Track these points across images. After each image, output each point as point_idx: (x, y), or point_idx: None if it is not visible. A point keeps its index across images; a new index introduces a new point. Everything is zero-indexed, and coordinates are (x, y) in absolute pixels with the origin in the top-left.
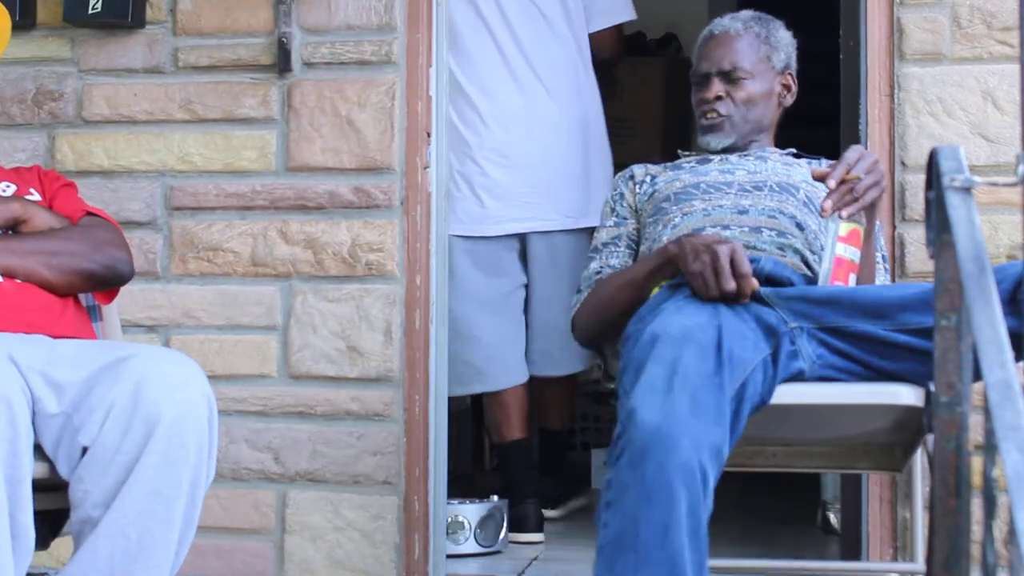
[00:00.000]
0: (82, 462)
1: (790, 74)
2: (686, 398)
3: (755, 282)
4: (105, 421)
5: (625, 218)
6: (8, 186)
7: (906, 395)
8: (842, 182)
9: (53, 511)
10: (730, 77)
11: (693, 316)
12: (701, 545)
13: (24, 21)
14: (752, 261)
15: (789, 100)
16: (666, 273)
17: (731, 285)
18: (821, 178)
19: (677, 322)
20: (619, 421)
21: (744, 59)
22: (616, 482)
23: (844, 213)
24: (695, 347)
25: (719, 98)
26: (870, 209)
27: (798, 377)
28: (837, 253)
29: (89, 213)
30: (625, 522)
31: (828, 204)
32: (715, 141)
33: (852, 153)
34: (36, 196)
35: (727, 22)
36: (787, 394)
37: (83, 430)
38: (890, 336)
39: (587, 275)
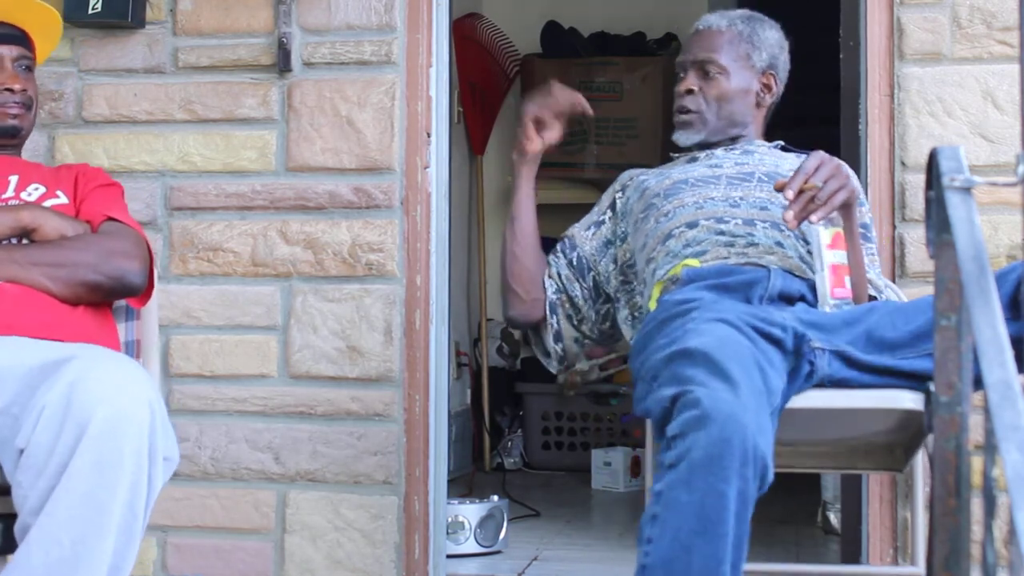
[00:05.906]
0: (18, 465)
1: (772, 74)
2: (751, 415)
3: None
4: (38, 422)
5: (592, 234)
6: (37, 188)
7: (907, 399)
8: (801, 192)
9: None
10: (704, 70)
11: (723, 329)
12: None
13: None
14: (759, 270)
15: (768, 100)
16: (524, 177)
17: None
18: (780, 189)
19: (714, 333)
20: (677, 422)
21: (721, 54)
22: (668, 498)
23: (814, 218)
24: (743, 365)
25: (690, 92)
26: (846, 209)
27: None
28: (829, 262)
29: (111, 219)
30: (676, 549)
31: (789, 216)
32: (684, 138)
33: (811, 161)
34: (63, 199)
35: (713, 19)
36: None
37: (21, 432)
38: (909, 365)
39: None
